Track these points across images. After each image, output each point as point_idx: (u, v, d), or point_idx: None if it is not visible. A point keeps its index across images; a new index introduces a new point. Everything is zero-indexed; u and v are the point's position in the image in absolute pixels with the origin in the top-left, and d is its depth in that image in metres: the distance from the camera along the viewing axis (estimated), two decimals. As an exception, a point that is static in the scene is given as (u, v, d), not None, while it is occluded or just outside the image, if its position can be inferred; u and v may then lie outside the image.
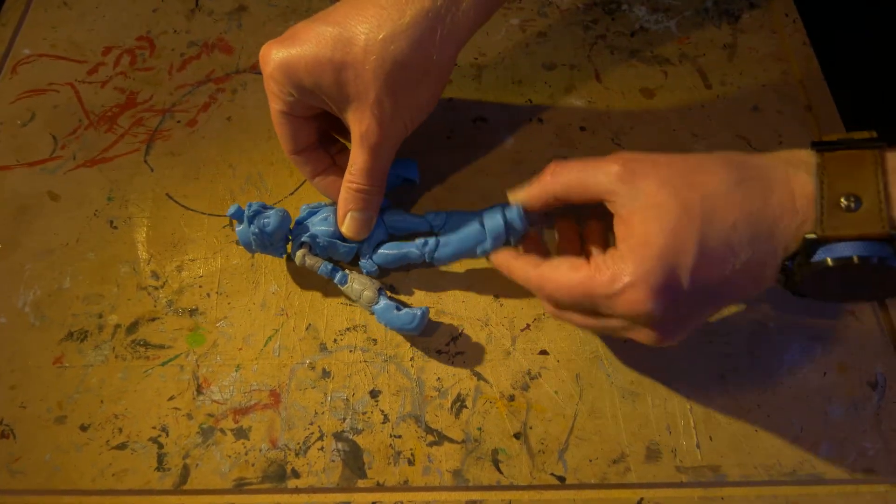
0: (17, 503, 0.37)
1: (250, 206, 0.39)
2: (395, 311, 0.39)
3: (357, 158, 0.38)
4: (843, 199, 0.29)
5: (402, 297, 0.42)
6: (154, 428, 0.38)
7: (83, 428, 0.39)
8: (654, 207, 0.31)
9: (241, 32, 0.54)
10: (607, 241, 0.37)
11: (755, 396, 0.38)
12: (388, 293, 0.41)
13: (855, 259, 0.29)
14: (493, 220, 0.38)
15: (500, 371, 0.39)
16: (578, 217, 0.39)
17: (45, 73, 0.52)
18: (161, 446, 0.38)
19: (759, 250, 0.30)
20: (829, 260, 0.29)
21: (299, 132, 0.39)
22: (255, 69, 0.52)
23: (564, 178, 0.35)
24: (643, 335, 0.33)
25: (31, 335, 0.42)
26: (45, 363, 0.41)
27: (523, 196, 0.37)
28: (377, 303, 0.39)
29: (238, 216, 0.39)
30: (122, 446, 0.38)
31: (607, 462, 0.37)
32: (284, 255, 0.42)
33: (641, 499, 0.36)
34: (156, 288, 0.43)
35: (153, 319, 0.42)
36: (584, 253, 0.37)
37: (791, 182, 0.30)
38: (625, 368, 0.39)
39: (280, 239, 0.40)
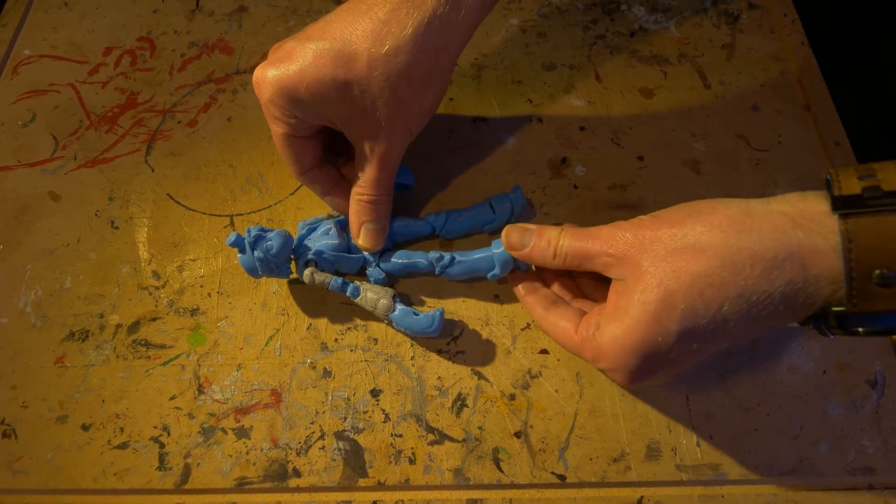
0: (19, 503, 0.37)
1: (249, 231, 0.38)
2: (413, 316, 0.39)
3: (365, 170, 0.38)
4: (875, 273, 0.27)
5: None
6: (155, 427, 0.39)
7: (84, 427, 0.39)
8: (639, 290, 0.31)
9: (241, 33, 0.54)
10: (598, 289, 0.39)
11: (755, 395, 0.38)
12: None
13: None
14: (502, 251, 0.39)
15: (500, 370, 0.39)
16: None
17: (46, 74, 0.53)
18: (162, 446, 0.38)
19: (758, 325, 0.30)
20: (861, 329, 0.28)
21: (304, 152, 0.39)
22: (256, 69, 0.52)
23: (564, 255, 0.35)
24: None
25: (32, 335, 0.42)
26: (47, 363, 0.41)
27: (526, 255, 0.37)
28: (394, 310, 0.39)
29: (239, 244, 0.38)
30: (123, 446, 0.38)
31: (608, 461, 0.37)
32: (290, 276, 0.41)
33: (641, 497, 0.36)
34: (157, 288, 0.43)
35: (154, 319, 0.42)
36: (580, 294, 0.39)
37: (804, 254, 0.28)
38: (625, 367, 0.39)
39: (285, 260, 0.39)
